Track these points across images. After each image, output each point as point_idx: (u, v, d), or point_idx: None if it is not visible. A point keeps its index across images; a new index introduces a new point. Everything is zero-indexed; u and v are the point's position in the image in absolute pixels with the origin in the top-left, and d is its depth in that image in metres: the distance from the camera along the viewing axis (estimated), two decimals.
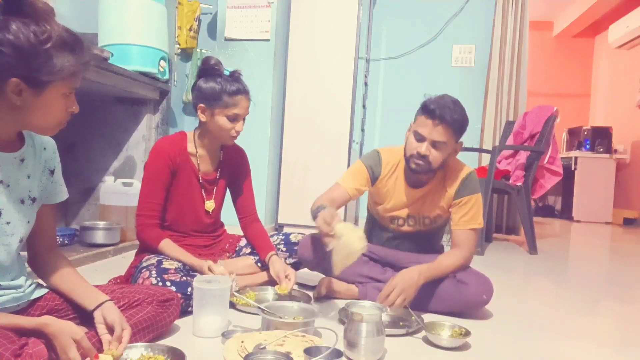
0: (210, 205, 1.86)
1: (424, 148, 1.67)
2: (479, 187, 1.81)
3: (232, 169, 1.94)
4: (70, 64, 0.96)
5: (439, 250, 1.99)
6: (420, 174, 1.76)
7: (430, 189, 1.81)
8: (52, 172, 1.17)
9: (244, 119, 1.78)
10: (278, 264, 1.78)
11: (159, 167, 1.74)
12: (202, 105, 1.74)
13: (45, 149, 1.15)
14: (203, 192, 1.84)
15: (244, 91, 1.74)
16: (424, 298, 1.72)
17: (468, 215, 1.76)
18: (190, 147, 1.81)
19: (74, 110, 1.04)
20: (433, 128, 1.66)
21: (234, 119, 1.74)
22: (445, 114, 1.64)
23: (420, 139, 1.69)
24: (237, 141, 1.97)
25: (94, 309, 1.12)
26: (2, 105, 0.96)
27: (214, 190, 1.87)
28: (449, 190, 1.79)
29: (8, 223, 1.05)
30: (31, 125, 1.03)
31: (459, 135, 1.71)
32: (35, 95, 0.96)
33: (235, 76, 1.75)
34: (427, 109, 1.67)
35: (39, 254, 1.20)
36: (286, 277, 1.70)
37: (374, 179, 1.86)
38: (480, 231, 3.08)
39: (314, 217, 1.59)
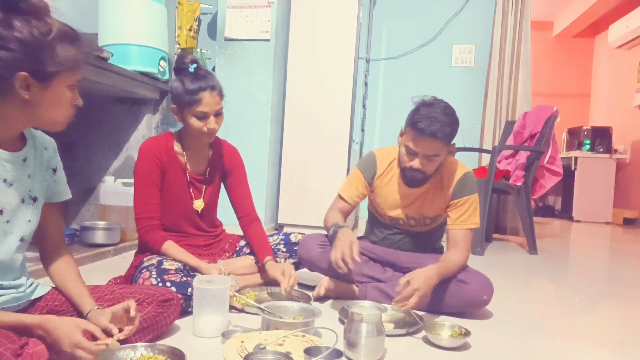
0: (199, 204, 1.82)
1: (417, 163, 1.66)
2: (477, 187, 1.81)
3: (224, 168, 1.91)
4: (72, 54, 1.00)
5: (439, 250, 1.99)
6: (416, 182, 1.77)
7: (429, 188, 1.81)
8: (54, 170, 1.19)
9: (218, 115, 1.71)
10: (273, 269, 1.73)
11: (148, 167, 1.72)
12: (173, 106, 1.72)
13: (46, 148, 1.16)
14: (192, 191, 1.81)
15: (206, 87, 1.65)
16: (426, 299, 1.72)
17: (465, 215, 1.76)
18: (177, 147, 1.79)
19: (78, 103, 1.06)
20: (426, 145, 1.63)
21: (202, 117, 1.67)
22: (437, 130, 1.59)
23: (412, 153, 1.67)
24: (237, 140, 1.97)
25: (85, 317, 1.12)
26: (12, 102, 0.98)
27: (204, 189, 1.85)
28: (446, 191, 1.79)
29: (8, 222, 1.05)
30: (41, 121, 1.04)
31: (451, 140, 1.68)
32: (43, 89, 0.98)
33: (198, 73, 1.68)
34: (417, 127, 1.61)
35: (46, 252, 1.22)
36: (282, 274, 1.68)
37: (370, 180, 1.88)
38: (479, 231, 3.12)
39: (330, 237, 1.72)
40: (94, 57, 1.09)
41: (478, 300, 1.71)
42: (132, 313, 1.11)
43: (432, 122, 1.59)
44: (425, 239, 1.93)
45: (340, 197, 1.92)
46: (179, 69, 1.71)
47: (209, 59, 3.58)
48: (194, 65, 1.69)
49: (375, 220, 2.00)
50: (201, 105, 1.66)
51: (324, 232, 1.88)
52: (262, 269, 1.84)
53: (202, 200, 1.84)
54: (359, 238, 2.07)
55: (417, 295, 1.50)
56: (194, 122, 1.69)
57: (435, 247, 1.98)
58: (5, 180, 1.04)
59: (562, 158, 4.84)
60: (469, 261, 1.80)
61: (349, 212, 1.91)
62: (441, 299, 1.71)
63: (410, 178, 1.74)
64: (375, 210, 1.98)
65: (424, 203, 1.83)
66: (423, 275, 1.55)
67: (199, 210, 1.83)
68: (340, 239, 1.65)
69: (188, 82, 1.66)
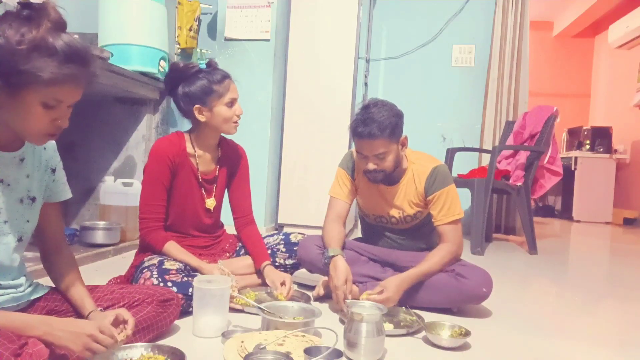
0: (211, 203, 1.84)
1: (371, 165, 1.73)
2: (450, 179, 1.81)
3: (231, 167, 1.93)
4: (49, 72, 0.92)
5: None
6: (383, 181, 1.81)
7: (404, 185, 1.84)
8: (53, 170, 1.18)
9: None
10: (273, 273, 1.76)
11: (159, 169, 1.72)
12: (197, 106, 1.73)
13: (45, 148, 1.16)
14: (203, 191, 1.83)
15: (227, 76, 1.76)
16: (424, 293, 1.74)
17: (444, 209, 1.78)
18: (189, 148, 1.80)
19: (61, 124, 1.00)
20: (369, 146, 1.69)
21: (231, 104, 1.75)
22: (373, 130, 1.65)
23: (362, 157, 1.75)
24: (237, 140, 1.97)
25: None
26: None
27: (214, 188, 1.86)
28: (418, 187, 1.82)
29: (5, 222, 1.05)
30: (15, 129, 1.00)
31: (396, 134, 1.71)
32: (10, 96, 0.94)
33: (213, 66, 1.77)
34: (356, 132, 1.69)
35: (47, 253, 1.22)
36: (282, 284, 1.70)
37: (351, 173, 1.93)
38: (479, 231, 3.12)
39: (324, 264, 1.74)
40: (89, 82, 1.01)
41: (478, 293, 1.72)
42: (130, 323, 1.11)
43: (368, 123, 1.66)
44: (418, 237, 1.94)
45: (332, 198, 1.94)
46: (184, 73, 1.74)
47: (209, 59, 3.58)
48: (203, 62, 1.76)
49: (364, 221, 2.04)
50: (230, 91, 1.75)
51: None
52: (259, 272, 1.84)
53: (213, 198, 1.85)
54: (358, 239, 2.07)
55: (387, 302, 1.59)
56: (225, 111, 1.74)
57: (433, 245, 1.99)
58: (2, 181, 1.04)
59: (562, 158, 4.83)
60: (468, 259, 1.81)
61: (345, 214, 1.92)
62: (441, 293, 1.73)
63: (374, 180, 1.79)
64: (361, 211, 2.02)
65: (402, 201, 1.85)
66: (394, 284, 1.64)
67: (211, 208, 1.85)
68: (333, 277, 1.67)
69: (210, 76, 1.72)
